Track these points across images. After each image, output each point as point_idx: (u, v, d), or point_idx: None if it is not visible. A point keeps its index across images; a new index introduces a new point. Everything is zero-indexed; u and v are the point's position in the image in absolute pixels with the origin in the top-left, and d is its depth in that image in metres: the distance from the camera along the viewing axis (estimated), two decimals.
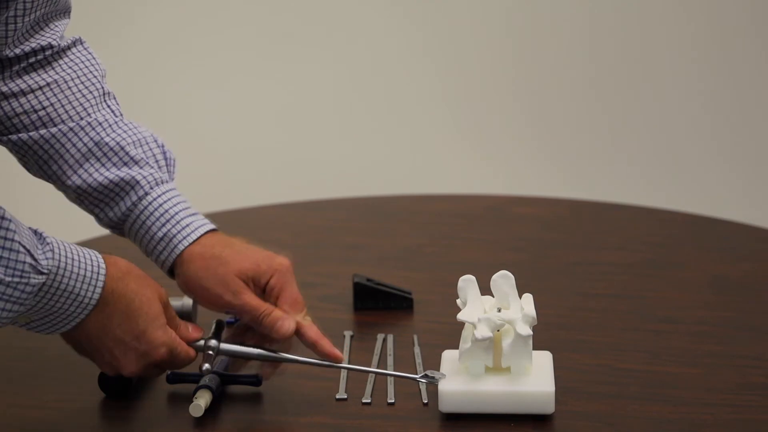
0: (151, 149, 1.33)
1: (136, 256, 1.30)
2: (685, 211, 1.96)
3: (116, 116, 1.35)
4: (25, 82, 1.32)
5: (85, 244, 1.79)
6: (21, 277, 1.10)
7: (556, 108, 3.25)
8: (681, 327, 1.49)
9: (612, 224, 1.91)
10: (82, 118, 1.33)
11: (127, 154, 1.31)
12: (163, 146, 1.34)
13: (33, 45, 1.32)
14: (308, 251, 1.78)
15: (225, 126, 3.26)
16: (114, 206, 1.32)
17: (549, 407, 1.24)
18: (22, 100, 1.32)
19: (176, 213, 1.29)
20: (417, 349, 1.41)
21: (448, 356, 1.30)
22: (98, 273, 1.16)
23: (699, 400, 1.29)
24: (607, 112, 3.23)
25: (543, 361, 1.30)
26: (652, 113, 3.23)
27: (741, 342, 1.44)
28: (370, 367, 1.36)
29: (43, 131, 1.31)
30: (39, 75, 1.33)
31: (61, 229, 2.86)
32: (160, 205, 1.30)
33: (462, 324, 1.26)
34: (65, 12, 1.36)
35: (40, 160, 1.33)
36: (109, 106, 1.35)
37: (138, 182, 1.30)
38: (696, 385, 1.32)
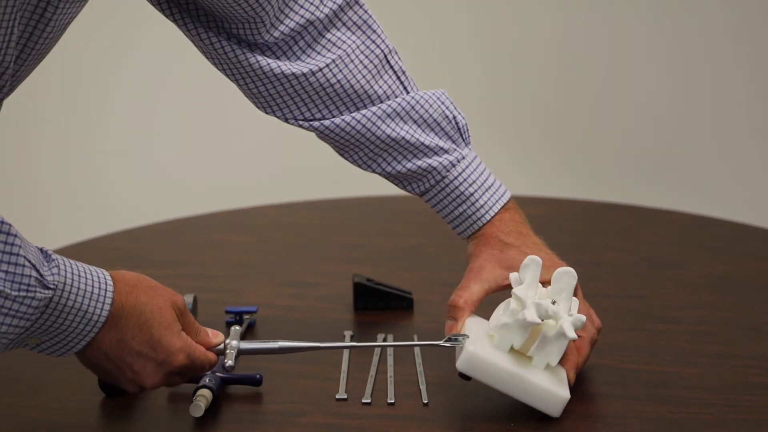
0: (442, 128, 1.40)
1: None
2: (685, 211, 1.97)
3: (398, 86, 1.41)
4: (304, 62, 1.36)
5: (86, 243, 1.79)
6: (27, 291, 1.10)
7: (555, 108, 3.25)
8: (681, 327, 1.49)
9: (612, 224, 1.91)
10: (368, 96, 1.38)
11: (422, 144, 1.38)
12: (454, 118, 1.40)
13: (291, 25, 1.35)
14: (308, 251, 1.78)
15: (225, 126, 3.26)
16: (409, 185, 1.41)
17: (557, 411, 1.24)
18: (311, 79, 1.36)
19: (470, 194, 1.38)
20: (417, 349, 1.41)
21: (472, 321, 1.31)
22: (106, 290, 1.16)
23: (699, 400, 1.29)
24: (607, 112, 3.23)
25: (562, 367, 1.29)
26: (651, 113, 3.23)
27: (741, 342, 1.44)
28: (370, 366, 1.36)
29: (335, 120, 1.38)
30: (315, 55, 1.37)
31: (62, 228, 2.86)
32: (456, 187, 1.39)
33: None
34: None
35: (336, 146, 1.40)
36: (394, 76, 1.41)
37: (434, 168, 1.39)
38: (696, 385, 1.32)
